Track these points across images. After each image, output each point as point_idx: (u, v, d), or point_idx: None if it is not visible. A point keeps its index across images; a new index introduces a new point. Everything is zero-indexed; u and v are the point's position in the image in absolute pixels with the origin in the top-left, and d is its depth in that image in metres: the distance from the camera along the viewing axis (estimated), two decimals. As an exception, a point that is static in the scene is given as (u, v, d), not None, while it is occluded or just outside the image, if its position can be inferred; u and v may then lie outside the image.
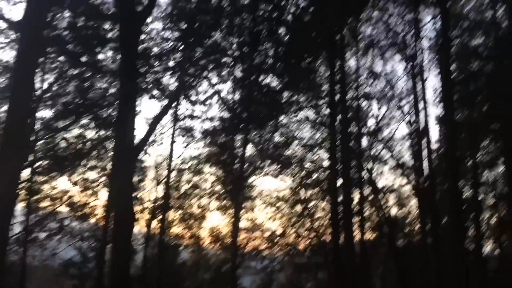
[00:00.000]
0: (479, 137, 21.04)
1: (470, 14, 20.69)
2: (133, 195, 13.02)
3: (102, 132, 18.47)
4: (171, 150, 19.55)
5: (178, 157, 21.04)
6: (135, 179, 19.45)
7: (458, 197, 12.50)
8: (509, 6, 16.41)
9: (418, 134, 20.80)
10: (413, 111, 21.03)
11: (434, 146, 20.97)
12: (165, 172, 20.71)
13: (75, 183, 20.21)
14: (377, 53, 21.18)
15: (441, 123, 19.91)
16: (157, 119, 13.86)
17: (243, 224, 21.42)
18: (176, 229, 23.46)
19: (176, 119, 19.70)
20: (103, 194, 20.20)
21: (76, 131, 18.76)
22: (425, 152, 20.40)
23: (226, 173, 20.66)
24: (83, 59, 16.28)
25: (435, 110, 35.57)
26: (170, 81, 17.46)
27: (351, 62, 21.36)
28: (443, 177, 18.18)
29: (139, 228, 21.35)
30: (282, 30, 18.99)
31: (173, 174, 21.22)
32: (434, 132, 39.25)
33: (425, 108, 20.29)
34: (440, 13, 13.90)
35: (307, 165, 22.10)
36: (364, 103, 22.03)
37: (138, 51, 12.61)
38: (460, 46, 21.01)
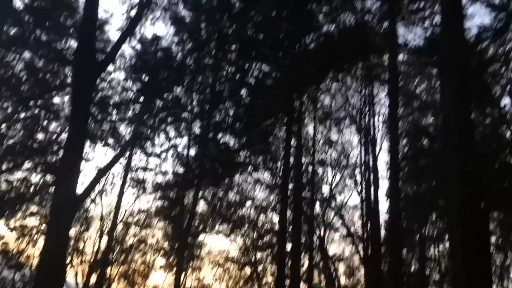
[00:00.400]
0: (427, 211, 21.62)
1: (422, 95, 22.05)
2: (69, 246, 12.32)
3: (48, 177, 17.75)
4: (119, 201, 18.94)
5: (127, 209, 20.36)
6: (78, 228, 18.56)
7: (399, 272, 12.57)
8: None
9: (368, 204, 21.16)
10: (365, 182, 21.51)
11: (384, 217, 21.33)
12: (111, 224, 19.89)
13: (12, 229, 19.04)
14: (334, 122, 21.89)
15: (388, 195, 20.39)
16: (106, 168, 13.46)
17: (189, 283, 20.58)
18: (116, 286, 22.22)
19: (128, 170, 19.28)
20: (42, 242, 19.06)
21: (20, 174, 17.96)
22: (375, 222, 20.65)
23: (175, 229, 20.08)
24: (37, 101, 15.96)
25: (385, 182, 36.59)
26: (126, 131, 17.25)
27: (309, 128, 21.93)
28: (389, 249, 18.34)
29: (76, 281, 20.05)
30: (243, 91, 19.52)
31: (119, 226, 20.42)
32: (384, 203, 40.15)
33: (375, 179, 20.80)
34: (390, 92, 14.66)
35: (259, 226, 21.88)
36: (318, 169, 22.38)
37: (94, 98, 12.52)
38: (411, 123, 22.17)
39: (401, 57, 20.12)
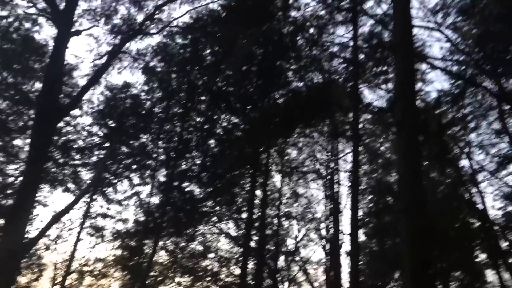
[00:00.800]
0: (390, 269, 21.64)
1: (386, 153, 22.67)
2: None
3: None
4: (75, 248, 18.20)
5: (82, 258, 19.54)
6: (30, 276, 17.66)
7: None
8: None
9: (332, 260, 21.01)
10: (329, 237, 21.47)
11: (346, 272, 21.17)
12: (65, 273, 18.97)
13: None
14: (300, 176, 22.09)
15: (347, 253, 20.37)
16: (60, 214, 13.05)
17: None
18: None
19: (87, 216, 18.71)
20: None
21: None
22: (337, 279, 20.43)
23: (133, 280, 19.31)
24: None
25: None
26: (88, 176, 16.93)
27: (275, 181, 22.03)
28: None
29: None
30: (211, 142, 19.66)
31: (74, 275, 19.48)
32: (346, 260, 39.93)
33: (337, 235, 20.79)
34: (353, 149, 15.03)
35: (221, 279, 21.27)
36: (284, 222, 22.28)
37: (57, 142, 12.36)
38: (376, 180, 22.63)
39: (367, 116, 20.95)
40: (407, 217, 8.26)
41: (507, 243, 19.13)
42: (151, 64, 15.96)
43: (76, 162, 16.63)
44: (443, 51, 22.18)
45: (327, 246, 21.68)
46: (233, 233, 20.68)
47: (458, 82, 18.57)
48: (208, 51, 17.61)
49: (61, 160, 15.85)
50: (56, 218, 12.95)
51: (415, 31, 20.71)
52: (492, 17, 17.10)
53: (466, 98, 18.86)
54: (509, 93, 17.14)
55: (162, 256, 19.19)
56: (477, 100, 18.87)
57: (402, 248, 8.11)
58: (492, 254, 19.53)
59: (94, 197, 17.79)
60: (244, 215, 20.25)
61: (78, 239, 18.29)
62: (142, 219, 18.82)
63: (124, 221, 18.58)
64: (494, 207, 26.81)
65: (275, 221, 21.77)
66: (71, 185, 16.87)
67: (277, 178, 22.00)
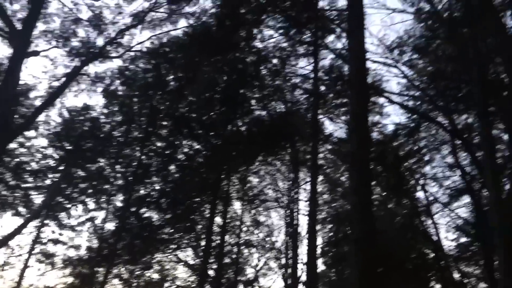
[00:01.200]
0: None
1: (345, 182, 23.00)
2: None
3: None
4: (22, 276, 17.30)
5: (30, 285, 18.56)
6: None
7: None
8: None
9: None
10: (288, 266, 21.38)
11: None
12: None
13: None
14: (261, 204, 22.07)
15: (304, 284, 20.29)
16: (8, 238, 12.54)
17: None
18: None
19: (37, 241, 17.92)
20: None
21: None
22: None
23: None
24: None
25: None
26: (40, 200, 16.32)
27: (236, 208, 21.91)
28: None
29: None
30: (171, 167, 19.46)
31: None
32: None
33: (295, 265, 20.74)
34: (311, 179, 15.23)
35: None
36: (243, 251, 22.07)
37: (9, 164, 11.94)
38: (335, 209, 22.89)
39: (327, 146, 21.33)
40: (357, 247, 8.37)
41: (459, 274, 19.61)
42: (112, 87, 15.79)
43: (29, 185, 16.02)
44: (400, 87, 23.17)
45: (287, 275, 21.56)
46: (191, 261, 20.30)
47: (414, 117, 19.29)
48: (171, 76, 17.64)
49: (12, 182, 15.24)
50: (3, 242, 12.42)
51: (373, 66, 21.56)
52: (444, 57, 18.02)
53: (421, 132, 19.57)
54: (461, 129, 17.93)
55: (115, 285, 18.52)
56: (431, 134, 19.60)
57: (352, 278, 8.18)
58: (445, 285, 19.95)
59: (45, 221, 17.11)
60: (202, 243, 19.95)
61: (26, 266, 17.44)
62: (95, 245, 18.21)
63: (77, 247, 17.89)
64: (447, 238, 27.64)
65: (235, 249, 21.56)
66: (22, 209, 16.18)
67: (237, 206, 21.92)
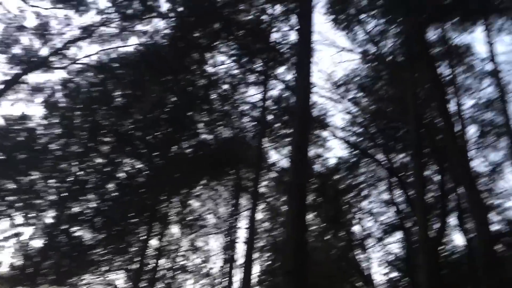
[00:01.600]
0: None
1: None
2: None
3: None
4: None
5: None
6: None
7: None
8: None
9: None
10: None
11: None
12: None
13: None
14: (199, 229, 21.74)
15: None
16: None
17: None
18: None
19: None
20: None
21: None
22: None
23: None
24: None
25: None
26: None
27: (173, 232, 21.45)
28: None
29: None
30: (110, 185, 18.81)
31: None
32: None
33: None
34: (251, 206, 15.30)
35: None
36: (178, 276, 21.52)
37: None
38: (275, 238, 22.93)
39: (271, 174, 21.54)
40: (289, 279, 8.41)
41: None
42: (53, 99, 15.18)
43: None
44: (344, 122, 24.03)
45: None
46: (122, 284, 19.50)
47: (355, 152, 20.01)
48: (118, 93, 17.26)
49: None
50: None
51: (320, 100, 22.28)
52: (386, 97, 19.00)
53: (361, 167, 20.28)
54: (397, 167, 18.78)
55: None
56: (370, 170, 20.35)
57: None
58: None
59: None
60: (136, 266, 19.27)
61: None
62: (19, 263, 17.07)
63: (-1, 265, 16.71)
64: (379, 273, 28.41)
65: (169, 273, 20.98)
66: None
67: (175, 229, 21.46)
